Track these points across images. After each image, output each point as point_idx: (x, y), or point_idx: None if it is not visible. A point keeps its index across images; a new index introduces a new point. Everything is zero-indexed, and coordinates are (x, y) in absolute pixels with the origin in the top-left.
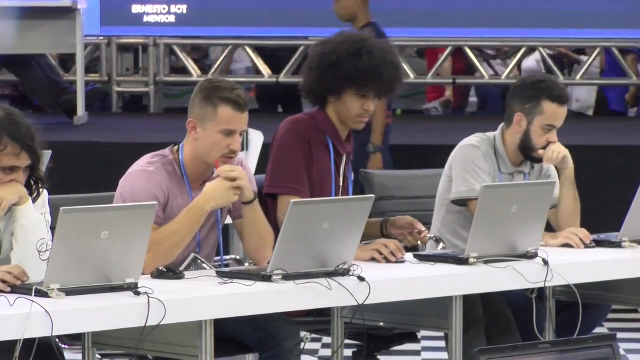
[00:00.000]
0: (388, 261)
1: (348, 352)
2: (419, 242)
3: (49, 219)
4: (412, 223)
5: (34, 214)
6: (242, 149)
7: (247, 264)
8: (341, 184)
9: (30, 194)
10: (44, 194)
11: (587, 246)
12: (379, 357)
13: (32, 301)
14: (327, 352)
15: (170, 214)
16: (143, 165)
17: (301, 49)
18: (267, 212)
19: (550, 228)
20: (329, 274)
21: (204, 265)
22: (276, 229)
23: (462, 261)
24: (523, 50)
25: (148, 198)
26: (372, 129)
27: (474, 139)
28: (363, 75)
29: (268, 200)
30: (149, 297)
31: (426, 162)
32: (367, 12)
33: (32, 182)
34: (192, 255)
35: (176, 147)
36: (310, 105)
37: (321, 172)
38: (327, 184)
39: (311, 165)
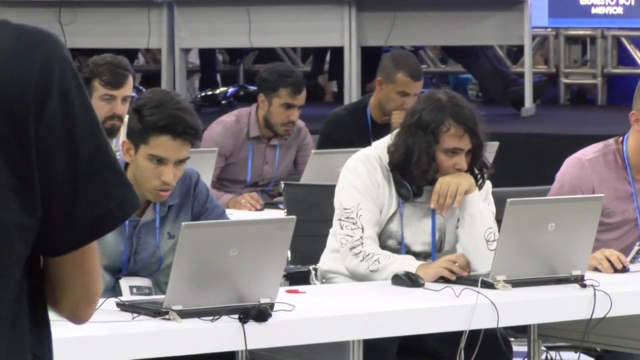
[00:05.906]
0: None
1: None
2: None
3: (494, 209)
4: None
5: (481, 203)
6: None
7: None
8: None
9: (475, 183)
10: (487, 184)
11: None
12: None
13: (478, 292)
14: None
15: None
16: (583, 152)
17: None
18: None
19: None
20: None
21: None
22: None
23: None
24: None
25: (571, 188)
26: None
27: None
28: None
29: None
30: (594, 289)
31: None
32: None
33: (477, 171)
34: (636, 247)
35: (621, 138)
36: None
37: None
38: None
39: None
